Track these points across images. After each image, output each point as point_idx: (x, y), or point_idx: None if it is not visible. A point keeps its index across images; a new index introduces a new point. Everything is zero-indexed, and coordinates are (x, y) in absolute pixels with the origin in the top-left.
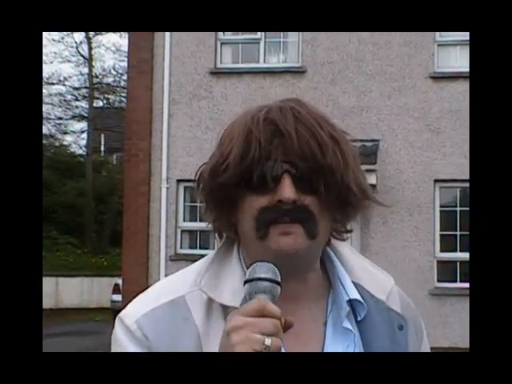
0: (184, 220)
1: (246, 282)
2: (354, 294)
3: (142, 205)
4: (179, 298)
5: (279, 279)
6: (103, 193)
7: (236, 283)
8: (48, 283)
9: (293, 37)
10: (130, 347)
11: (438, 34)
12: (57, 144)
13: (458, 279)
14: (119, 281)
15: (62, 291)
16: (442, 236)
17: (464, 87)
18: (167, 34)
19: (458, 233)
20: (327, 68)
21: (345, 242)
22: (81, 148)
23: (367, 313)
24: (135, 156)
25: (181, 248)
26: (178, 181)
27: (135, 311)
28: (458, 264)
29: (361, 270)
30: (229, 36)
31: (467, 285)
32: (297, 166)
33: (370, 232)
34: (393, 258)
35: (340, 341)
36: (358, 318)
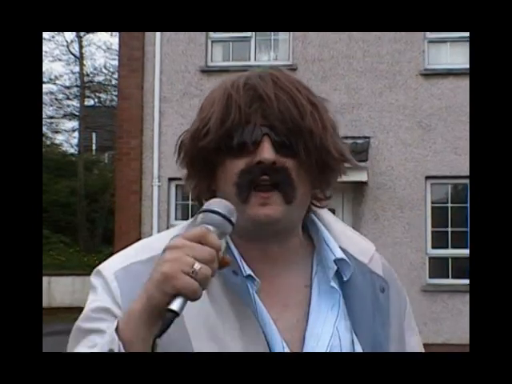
0: (176, 218)
1: (199, 213)
2: (341, 254)
3: (134, 203)
4: (157, 256)
5: (232, 218)
6: (95, 191)
7: None
8: None
9: (283, 34)
10: (103, 297)
11: None
12: (48, 143)
13: (450, 275)
14: None
15: (54, 290)
16: (433, 232)
17: (454, 84)
18: (158, 32)
19: (450, 229)
20: (318, 65)
21: (325, 209)
22: (72, 147)
23: (351, 274)
24: (127, 154)
25: None
26: (170, 179)
27: (114, 264)
28: (450, 260)
29: (343, 234)
30: (219, 34)
31: (459, 281)
32: (276, 129)
33: (361, 229)
34: (384, 254)
35: (325, 301)
36: (344, 279)
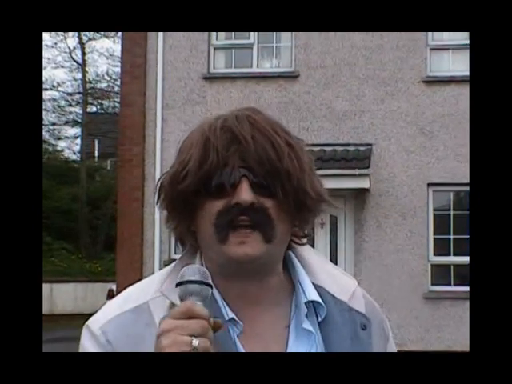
0: (175, 252)
1: (176, 286)
2: (313, 296)
3: (136, 210)
4: (143, 305)
5: (209, 280)
6: (97, 198)
7: None
8: (42, 289)
9: (286, 41)
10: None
11: (430, 38)
12: (50, 149)
13: (452, 283)
14: (113, 286)
15: (56, 297)
16: (435, 240)
17: (457, 91)
18: (160, 39)
19: (452, 236)
20: (320, 72)
21: (306, 245)
22: (74, 153)
23: (328, 313)
24: (129, 161)
25: (175, 253)
26: None
27: (100, 318)
28: (452, 267)
29: (322, 272)
30: (222, 41)
31: (461, 288)
32: (254, 170)
33: (363, 236)
34: (387, 261)
35: (302, 343)
36: (319, 319)
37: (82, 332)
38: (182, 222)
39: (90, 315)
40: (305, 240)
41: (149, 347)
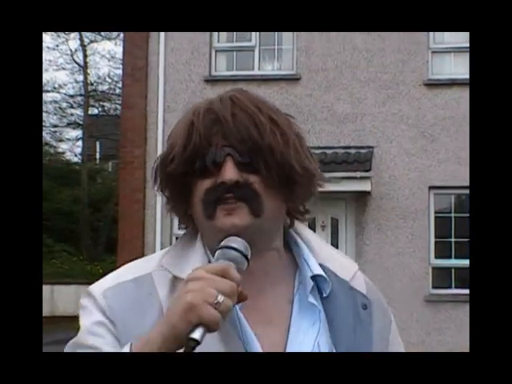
0: (179, 228)
1: (217, 249)
2: (318, 270)
3: (138, 212)
4: (146, 275)
5: (248, 254)
6: (98, 200)
7: (198, 261)
8: (43, 291)
9: (287, 44)
10: (95, 314)
11: (431, 40)
12: (52, 152)
13: (453, 286)
14: None
15: (57, 299)
16: (436, 242)
17: (458, 94)
18: (162, 41)
19: (453, 239)
20: (322, 75)
21: (305, 224)
22: (76, 155)
23: (331, 290)
24: (130, 163)
25: None
26: None
27: (102, 284)
28: (453, 270)
29: (325, 252)
30: (223, 43)
31: (462, 291)
32: (237, 148)
33: (364, 239)
34: (388, 264)
35: (306, 317)
36: (324, 295)
37: (81, 298)
38: (176, 202)
39: None
40: (306, 216)
41: (151, 316)
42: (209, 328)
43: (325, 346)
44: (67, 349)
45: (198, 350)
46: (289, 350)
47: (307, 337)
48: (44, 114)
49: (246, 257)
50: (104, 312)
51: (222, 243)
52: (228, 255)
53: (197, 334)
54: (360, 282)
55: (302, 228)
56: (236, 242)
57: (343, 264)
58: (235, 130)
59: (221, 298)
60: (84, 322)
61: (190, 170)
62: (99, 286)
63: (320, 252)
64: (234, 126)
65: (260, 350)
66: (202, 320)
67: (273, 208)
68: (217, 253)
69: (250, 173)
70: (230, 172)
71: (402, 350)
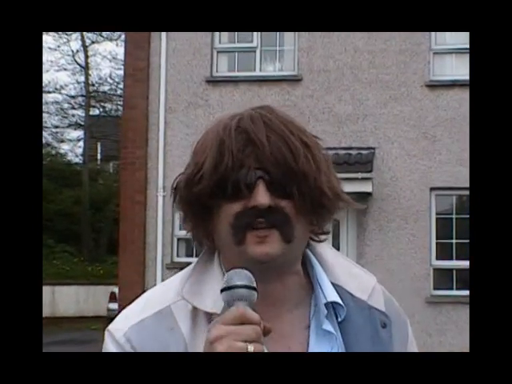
0: (180, 228)
1: (222, 291)
2: (332, 297)
3: (139, 213)
4: (165, 309)
5: (255, 285)
6: (100, 201)
7: (218, 289)
8: (44, 292)
9: (289, 45)
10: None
11: (433, 42)
12: (53, 152)
13: (454, 287)
14: (115, 289)
15: (58, 300)
16: (438, 244)
17: (460, 95)
18: (163, 42)
19: (454, 241)
20: (323, 76)
21: (324, 243)
22: (77, 156)
23: (348, 313)
24: (131, 164)
25: (177, 256)
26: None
27: (123, 324)
28: (454, 272)
29: (341, 270)
30: (225, 44)
31: (463, 292)
32: (270, 172)
33: (366, 240)
34: (389, 265)
35: (323, 343)
36: (339, 319)
37: (104, 338)
38: (198, 224)
39: (92, 318)
40: (324, 237)
41: (174, 351)
42: None
43: None
44: None
45: None
46: None
47: None
48: (45, 115)
49: (254, 288)
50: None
51: (225, 283)
52: (236, 295)
53: None
54: (378, 298)
55: (318, 246)
56: (239, 277)
57: (360, 280)
58: (269, 153)
59: (251, 348)
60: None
61: (218, 192)
62: (121, 327)
63: (335, 270)
64: (269, 149)
65: None
66: None
67: (302, 232)
68: (224, 295)
69: (282, 197)
70: (262, 196)
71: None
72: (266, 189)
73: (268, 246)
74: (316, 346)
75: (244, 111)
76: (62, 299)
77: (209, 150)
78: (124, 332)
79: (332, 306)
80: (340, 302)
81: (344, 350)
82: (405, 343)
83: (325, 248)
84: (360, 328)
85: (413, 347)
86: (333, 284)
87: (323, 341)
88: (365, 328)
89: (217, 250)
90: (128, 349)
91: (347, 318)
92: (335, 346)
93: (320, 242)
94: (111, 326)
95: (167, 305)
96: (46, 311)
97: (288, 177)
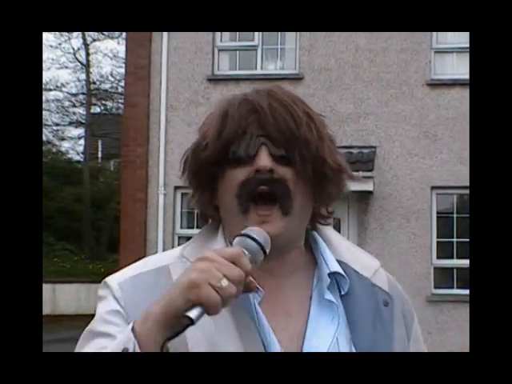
0: (181, 227)
1: (237, 235)
2: (335, 268)
3: (140, 211)
4: (163, 267)
5: (267, 248)
6: (100, 199)
7: None
8: (45, 289)
9: (290, 44)
10: (111, 303)
11: (434, 40)
12: (54, 150)
13: (455, 286)
14: None
15: (58, 297)
16: (438, 243)
17: (461, 94)
18: (165, 40)
19: (455, 239)
20: (324, 75)
21: (330, 227)
22: (78, 154)
23: (351, 287)
24: (132, 162)
25: None
26: (176, 187)
27: (120, 275)
28: (455, 271)
29: (346, 250)
30: (226, 43)
31: (464, 291)
32: (272, 138)
33: (366, 238)
34: (390, 264)
35: (324, 313)
36: (342, 292)
37: (99, 289)
38: (204, 193)
39: (92, 316)
40: (330, 220)
41: None
42: (207, 310)
43: (343, 341)
44: (82, 337)
45: (216, 340)
46: (307, 343)
47: (326, 331)
48: (46, 113)
49: (263, 250)
50: (119, 302)
51: (244, 231)
52: (245, 243)
53: (193, 313)
54: (382, 279)
55: (324, 228)
56: (257, 234)
57: (364, 261)
58: (272, 120)
59: (224, 283)
60: (99, 310)
61: (222, 158)
62: (116, 277)
63: (340, 249)
64: (271, 116)
65: (277, 344)
66: (201, 300)
67: (302, 206)
68: (236, 239)
69: (284, 165)
70: (264, 159)
71: (424, 348)
72: (268, 154)
73: (269, 226)
74: (317, 314)
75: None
76: (62, 297)
77: (214, 120)
78: (119, 281)
79: (335, 279)
80: (342, 272)
81: (345, 322)
82: (409, 325)
83: (331, 231)
84: (362, 303)
85: (417, 331)
86: (337, 261)
87: (325, 310)
88: (367, 303)
89: (221, 223)
90: (119, 295)
91: (350, 292)
92: (336, 315)
93: (326, 224)
94: (107, 278)
95: (165, 264)
96: (47, 309)
97: (290, 144)
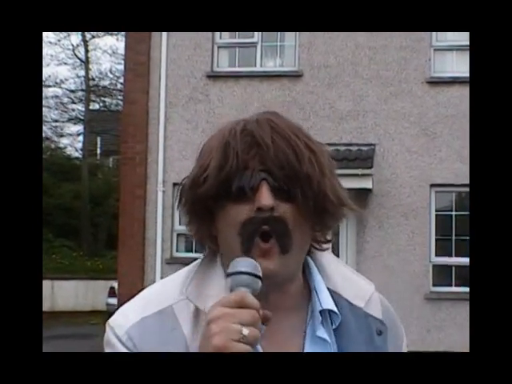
0: (180, 223)
1: (228, 276)
2: (328, 304)
3: (138, 208)
4: (167, 308)
5: (259, 273)
6: (99, 196)
7: (220, 291)
8: (43, 286)
9: (289, 41)
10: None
11: (434, 38)
12: (53, 147)
13: (454, 284)
14: (115, 284)
15: (57, 294)
16: (437, 240)
17: (460, 92)
18: (164, 37)
19: (454, 237)
20: (324, 72)
21: (325, 251)
22: (77, 151)
23: (343, 320)
24: (131, 159)
25: (177, 251)
26: (174, 184)
27: (124, 321)
28: (454, 268)
29: (339, 277)
30: (226, 40)
31: (462, 289)
32: (274, 174)
33: (365, 236)
34: (388, 262)
35: (318, 350)
36: (333, 327)
37: (106, 332)
38: (202, 226)
39: (90, 313)
40: (326, 246)
41: (175, 350)
42: None
43: None
44: None
45: None
46: None
47: None
48: (45, 109)
49: (258, 277)
50: (131, 351)
51: (231, 269)
52: (240, 281)
53: None
54: (376, 306)
55: (319, 254)
56: (244, 265)
57: (359, 289)
58: (273, 155)
59: (246, 331)
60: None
61: (222, 193)
62: (123, 324)
63: (333, 277)
64: (273, 151)
65: None
66: None
67: (301, 241)
68: (228, 280)
69: (285, 200)
70: (265, 197)
71: None
72: (269, 190)
73: (269, 263)
74: (311, 350)
75: (250, 116)
76: (61, 293)
77: (214, 151)
78: (126, 330)
79: (328, 313)
80: (334, 309)
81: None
82: (399, 349)
83: (325, 255)
84: (354, 335)
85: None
86: (330, 291)
87: (317, 347)
88: (359, 335)
89: (219, 253)
90: (130, 346)
91: (342, 325)
92: (329, 351)
93: (322, 250)
94: (112, 322)
95: (169, 304)
96: (45, 305)
97: (291, 179)
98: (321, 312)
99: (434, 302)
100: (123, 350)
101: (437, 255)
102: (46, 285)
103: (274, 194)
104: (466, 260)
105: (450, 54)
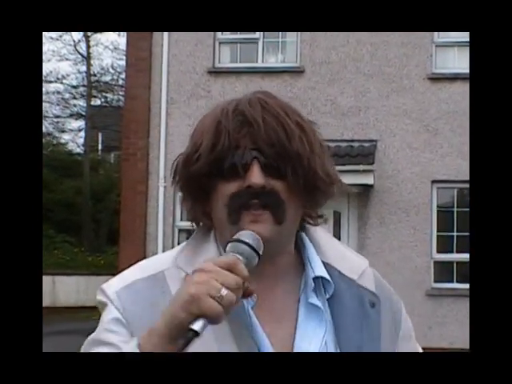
0: (181, 219)
1: (229, 242)
2: (320, 272)
3: (140, 203)
4: (159, 273)
5: (260, 251)
6: (100, 191)
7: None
8: (45, 282)
9: (291, 37)
10: (112, 311)
11: (436, 34)
12: (54, 142)
13: (455, 280)
14: None
15: (58, 290)
16: (438, 237)
17: (462, 88)
18: (165, 33)
19: (455, 233)
20: (325, 68)
21: (320, 226)
22: (78, 146)
23: (336, 290)
24: (133, 155)
25: None
26: None
27: (115, 283)
28: (455, 265)
29: (333, 251)
30: (227, 35)
31: (464, 285)
32: (264, 152)
33: (367, 232)
34: (390, 258)
35: (312, 317)
36: (326, 296)
37: (97, 294)
38: (196, 203)
39: (92, 308)
40: (319, 221)
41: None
42: (210, 320)
43: (331, 345)
44: (85, 344)
45: (212, 346)
46: (297, 348)
47: (315, 335)
48: (46, 105)
49: (257, 253)
50: (119, 310)
51: (235, 236)
52: (239, 249)
53: (197, 326)
54: (369, 280)
55: (312, 229)
56: (249, 237)
57: (351, 262)
58: (264, 134)
59: (224, 292)
60: (102, 318)
61: (214, 171)
62: (113, 285)
63: (327, 251)
64: (264, 130)
65: (269, 348)
66: (203, 312)
67: (294, 215)
68: (228, 245)
69: (276, 178)
70: (256, 176)
71: (414, 345)
72: (260, 169)
73: (261, 227)
74: (305, 318)
75: (242, 96)
76: (62, 289)
77: (206, 130)
78: (116, 290)
79: (322, 282)
80: (327, 276)
81: (332, 326)
82: (397, 324)
83: (319, 231)
84: (348, 305)
85: (406, 327)
86: (324, 263)
87: (312, 314)
88: (352, 305)
89: (213, 228)
90: (118, 304)
91: (335, 295)
92: (323, 320)
93: (315, 225)
94: (104, 285)
95: (161, 270)
96: (47, 301)
97: (282, 157)
98: (314, 280)
99: (436, 298)
100: (112, 308)
101: (438, 251)
102: (48, 280)
103: (265, 171)
104: (467, 256)
105: (451, 50)
